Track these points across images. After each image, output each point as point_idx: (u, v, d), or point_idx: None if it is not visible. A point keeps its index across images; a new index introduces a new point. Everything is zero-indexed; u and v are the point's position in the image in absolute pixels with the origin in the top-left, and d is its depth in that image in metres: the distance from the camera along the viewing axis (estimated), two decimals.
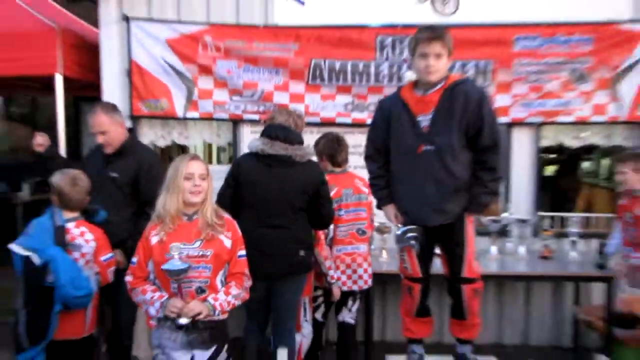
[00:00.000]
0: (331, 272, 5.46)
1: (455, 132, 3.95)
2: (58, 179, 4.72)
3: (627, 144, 6.86)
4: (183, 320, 3.78)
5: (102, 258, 4.76)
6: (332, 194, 5.39)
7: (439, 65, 3.95)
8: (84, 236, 4.69)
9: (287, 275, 4.94)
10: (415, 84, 4.11)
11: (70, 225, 4.65)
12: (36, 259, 4.37)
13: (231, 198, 4.81)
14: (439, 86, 3.99)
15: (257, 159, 4.93)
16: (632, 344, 5.96)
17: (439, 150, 3.95)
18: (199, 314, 3.77)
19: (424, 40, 3.95)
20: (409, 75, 6.49)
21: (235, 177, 4.89)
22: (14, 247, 4.46)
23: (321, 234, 5.43)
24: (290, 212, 4.89)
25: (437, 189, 3.96)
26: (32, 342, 4.44)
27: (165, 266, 3.75)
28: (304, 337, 5.41)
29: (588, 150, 9.74)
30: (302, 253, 4.95)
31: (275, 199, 4.85)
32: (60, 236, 4.52)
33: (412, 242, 4.03)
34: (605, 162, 9.92)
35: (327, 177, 5.31)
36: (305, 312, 5.42)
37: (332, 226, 5.48)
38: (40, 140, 5.59)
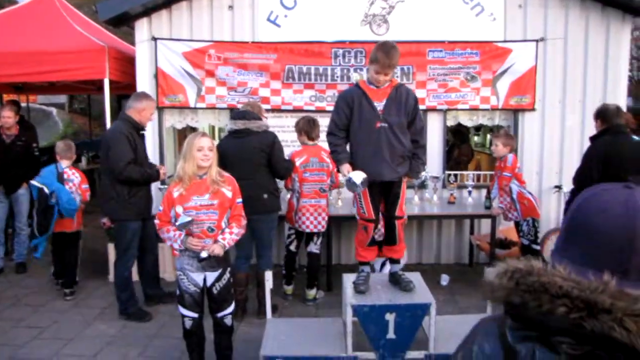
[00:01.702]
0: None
1: (402, 115, 3.86)
2: (59, 145, 5.89)
3: (504, 124, 6.85)
4: (204, 254, 3.74)
5: (83, 186, 5.81)
6: (301, 160, 5.37)
7: (387, 78, 3.84)
8: (74, 175, 5.76)
9: (258, 214, 4.90)
10: (367, 81, 3.93)
11: (66, 169, 5.71)
12: (46, 190, 5.46)
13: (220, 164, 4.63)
14: (387, 84, 3.86)
15: (229, 135, 5.10)
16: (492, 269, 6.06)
17: (392, 127, 3.83)
18: (219, 253, 3.79)
19: (385, 66, 3.75)
20: (356, 76, 6.39)
21: (219, 150, 4.68)
22: (34, 182, 5.57)
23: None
24: (253, 167, 4.95)
25: (391, 153, 3.84)
26: (40, 234, 5.55)
27: (177, 223, 3.73)
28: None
29: (478, 129, 9.75)
30: (265, 196, 5.01)
31: (241, 158, 4.92)
32: (60, 177, 5.62)
33: (367, 182, 3.76)
34: (488, 136, 9.95)
35: (301, 148, 5.48)
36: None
37: (298, 183, 5.43)
38: None
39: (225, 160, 4.86)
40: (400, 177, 3.95)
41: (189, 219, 3.70)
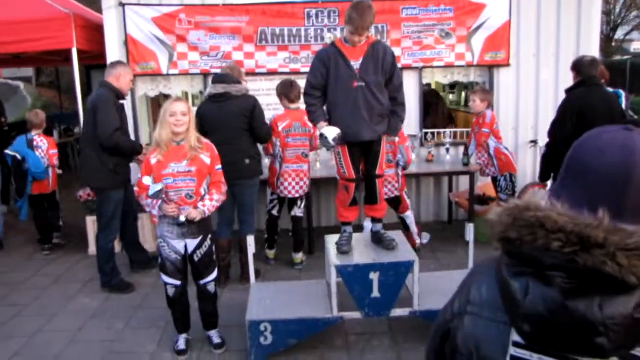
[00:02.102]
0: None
1: (380, 73, 3.77)
2: (28, 115, 6.46)
3: (479, 80, 6.81)
4: (182, 218, 3.69)
5: (51, 151, 6.28)
6: (284, 125, 5.28)
7: (362, 39, 3.72)
8: (42, 141, 6.24)
9: (240, 179, 4.87)
10: (344, 39, 3.83)
11: (35, 137, 6.21)
12: (19, 156, 6.08)
13: (199, 130, 4.63)
14: (364, 41, 3.76)
15: (209, 100, 4.98)
16: (486, 215, 6.06)
17: (369, 85, 3.75)
18: (195, 217, 3.73)
19: (360, 28, 3.65)
20: (329, 37, 6.26)
21: (198, 115, 4.82)
22: (8, 151, 6.18)
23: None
24: (234, 132, 4.88)
25: (369, 113, 3.77)
26: (19, 196, 6.26)
27: (149, 194, 3.65)
28: (411, 211, 5.81)
29: (453, 87, 9.73)
30: (247, 161, 4.95)
31: (222, 124, 4.85)
32: (30, 144, 6.15)
33: (339, 138, 3.69)
34: (463, 94, 9.92)
35: (284, 112, 5.39)
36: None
37: (280, 148, 5.30)
38: None
39: (205, 125, 4.81)
40: (379, 136, 3.90)
41: (160, 187, 3.63)
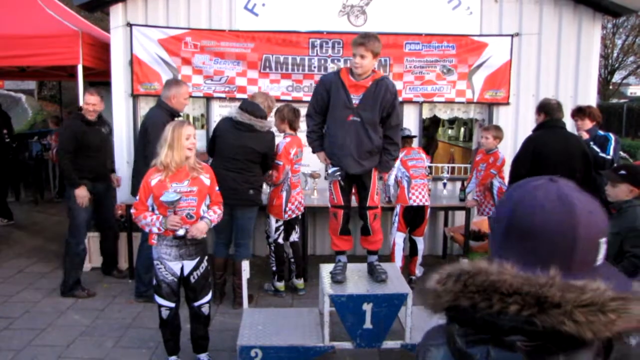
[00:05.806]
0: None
1: (377, 111, 3.86)
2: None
3: (478, 117, 6.91)
4: (181, 232, 3.70)
5: None
6: (294, 152, 5.35)
7: (363, 62, 3.77)
8: None
9: (241, 206, 4.99)
10: (350, 71, 3.92)
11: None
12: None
13: (211, 148, 5.12)
14: (368, 77, 3.84)
15: (231, 122, 5.00)
16: (480, 251, 6.20)
17: (363, 122, 3.85)
18: (201, 231, 3.82)
19: (354, 44, 3.79)
20: (332, 67, 6.37)
21: (215, 132, 5.09)
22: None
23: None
24: (245, 162, 4.98)
25: (357, 148, 3.88)
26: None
27: (162, 198, 3.65)
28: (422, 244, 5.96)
29: (452, 122, 9.84)
30: (251, 192, 5.03)
31: (236, 152, 4.94)
32: None
33: (338, 177, 3.97)
34: (462, 130, 10.01)
35: (289, 138, 5.40)
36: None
37: (290, 174, 5.33)
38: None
39: (218, 143, 4.99)
40: (367, 170, 3.99)
41: (178, 197, 3.65)
